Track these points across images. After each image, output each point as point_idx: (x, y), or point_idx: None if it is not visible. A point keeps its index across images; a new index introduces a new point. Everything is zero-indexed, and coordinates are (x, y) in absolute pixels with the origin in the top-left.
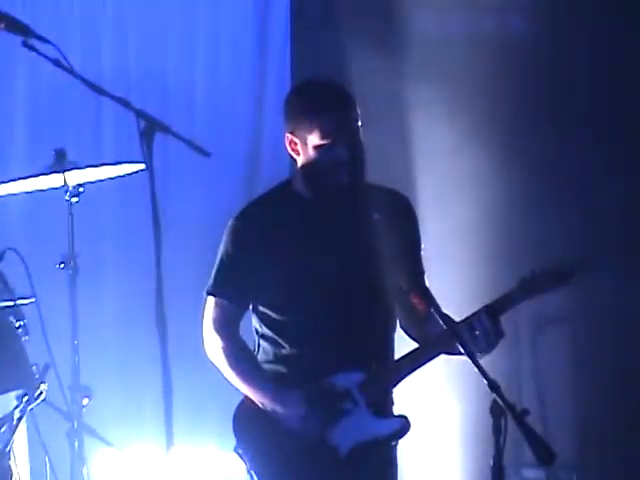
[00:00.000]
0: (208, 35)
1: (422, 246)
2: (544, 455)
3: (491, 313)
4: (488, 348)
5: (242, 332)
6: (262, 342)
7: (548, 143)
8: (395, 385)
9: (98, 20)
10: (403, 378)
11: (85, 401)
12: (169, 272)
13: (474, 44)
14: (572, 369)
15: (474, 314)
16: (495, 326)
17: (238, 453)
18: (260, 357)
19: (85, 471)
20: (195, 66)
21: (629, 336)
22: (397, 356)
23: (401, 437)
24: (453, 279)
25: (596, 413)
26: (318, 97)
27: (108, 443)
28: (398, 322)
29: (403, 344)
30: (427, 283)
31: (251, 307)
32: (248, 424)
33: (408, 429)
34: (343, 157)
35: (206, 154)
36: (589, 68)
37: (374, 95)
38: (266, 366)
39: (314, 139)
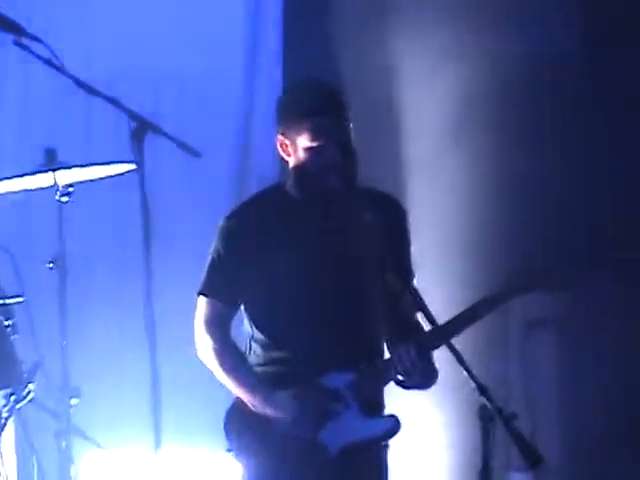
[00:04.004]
0: (200, 36)
1: (411, 249)
2: (532, 459)
3: (475, 314)
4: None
5: (234, 334)
6: (253, 344)
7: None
8: (385, 385)
9: (90, 20)
10: (393, 378)
11: (74, 401)
12: (159, 272)
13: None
14: (561, 373)
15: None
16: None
17: (231, 453)
18: (251, 359)
19: (73, 472)
20: (186, 67)
21: (618, 340)
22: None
23: (391, 437)
24: (441, 281)
25: (585, 417)
26: (309, 99)
27: (96, 444)
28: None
29: None
30: (415, 285)
31: (242, 308)
32: (239, 425)
33: (398, 429)
34: (333, 159)
35: (196, 154)
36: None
37: (367, 96)
38: (257, 368)
39: (304, 141)
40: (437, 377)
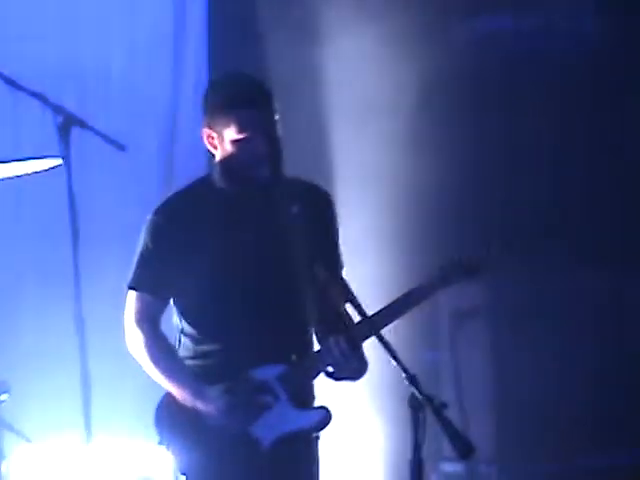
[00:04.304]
0: (127, 30)
1: (339, 239)
2: (463, 449)
3: (404, 304)
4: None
5: (164, 327)
6: (183, 338)
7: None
8: (315, 377)
9: (17, 15)
10: (323, 370)
11: (3, 396)
12: (87, 266)
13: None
14: (491, 362)
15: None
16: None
17: (162, 446)
18: (181, 352)
19: (4, 467)
20: (111, 60)
21: (546, 328)
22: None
23: (322, 428)
24: (370, 270)
25: (515, 407)
26: (235, 92)
27: (27, 438)
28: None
29: None
30: (344, 275)
31: (172, 302)
32: (170, 419)
33: (329, 420)
34: (260, 151)
35: (121, 148)
36: None
37: (293, 87)
38: (187, 362)
39: (231, 133)
40: (367, 368)
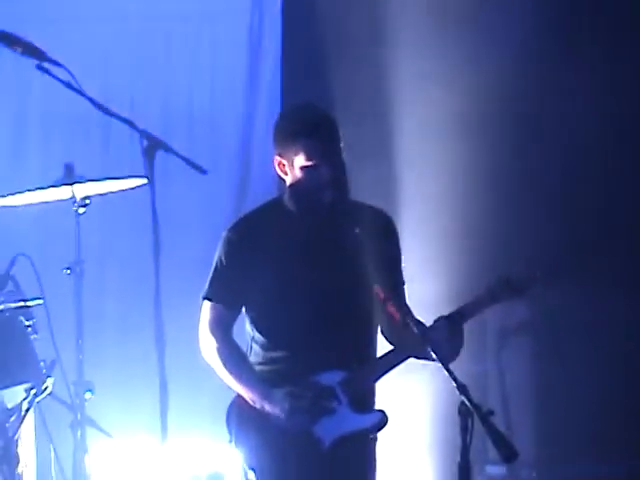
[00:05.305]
0: (205, 65)
1: (402, 259)
2: (507, 453)
3: (457, 319)
4: (453, 353)
5: (236, 335)
6: (254, 345)
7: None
8: (374, 383)
9: (107, 46)
10: (380, 377)
11: (88, 395)
12: (167, 276)
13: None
14: (533, 374)
15: (440, 319)
16: (454, 333)
17: (232, 445)
18: (252, 358)
19: (87, 460)
20: (193, 94)
21: (587, 344)
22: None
23: (379, 430)
24: (433, 285)
25: (555, 415)
26: (303, 122)
27: (108, 434)
28: (380, 328)
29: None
30: (406, 293)
31: (244, 311)
32: (240, 420)
33: (386, 423)
34: (326, 177)
35: (203, 171)
36: None
37: (359, 118)
38: (257, 367)
39: (300, 160)
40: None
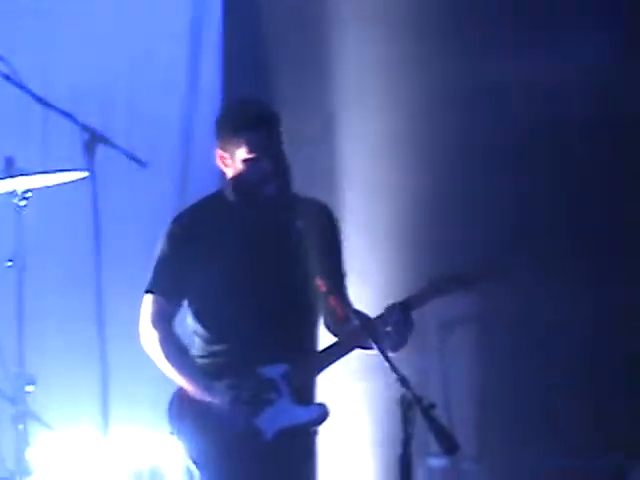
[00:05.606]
0: (146, 57)
1: (343, 251)
2: (448, 445)
3: (402, 309)
4: (401, 342)
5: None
6: (196, 338)
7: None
8: (316, 376)
9: (48, 39)
10: (323, 369)
11: (29, 388)
12: (109, 269)
13: None
14: (475, 368)
15: (387, 310)
16: (406, 321)
17: (174, 436)
18: (194, 352)
19: (29, 453)
20: (133, 86)
21: (529, 338)
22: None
23: (320, 423)
24: (377, 278)
25: (497, 409)
26: (245, 116)
27: (50, 427)
28: (323, 320)
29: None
30: (347, 285)
31: (186, 304)
32: (181, 411)
33: (327, 416)
34: (268, 169)
35: (143, 164)
36: None
37: (301, 112)
38: (199, 360)
39: (242, 154)
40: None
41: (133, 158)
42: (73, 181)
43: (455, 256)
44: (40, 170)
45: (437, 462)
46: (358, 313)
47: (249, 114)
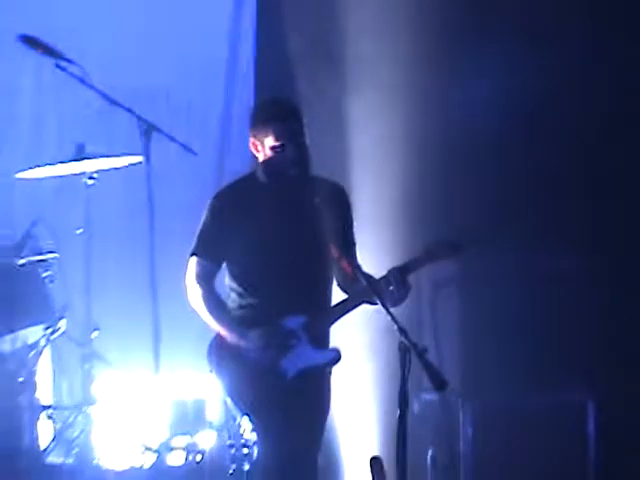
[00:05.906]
0: (187, 57)
1: (353, 223)
2: (438, 383)
3: (402, 272)
4: (400, 299)
5: (218, 286)
6: (231, 293)
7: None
8: (330, 325)
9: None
10: (336, 320)
11: (94, 334)
12: (161, 237)
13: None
14: (460, 318)
15: (389, 273)
16: (405, 281)
17: (212, 374)
18: (229, 304)
19: (93, 388)
20: (177, 78)
21: (510, 294)
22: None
23: (334, 365)
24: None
25: (479, 352)
26: (273, 110)
27: (111, 366)
28: (335, 280)
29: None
30: (357, 251)
31: (225, 266)
32: (219, 354)
33: (339, 358)
34: (291, 156)
35: (193, 152)
36: None
37: (319, 108)
38: (234, 312)
39: (270, 141)
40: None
41: (185, 147)
42: (132, 164)
43: (449, 228)
44: (105, 154)
45: (429, 396)
46: (365, 275)
47: (277, 108)
